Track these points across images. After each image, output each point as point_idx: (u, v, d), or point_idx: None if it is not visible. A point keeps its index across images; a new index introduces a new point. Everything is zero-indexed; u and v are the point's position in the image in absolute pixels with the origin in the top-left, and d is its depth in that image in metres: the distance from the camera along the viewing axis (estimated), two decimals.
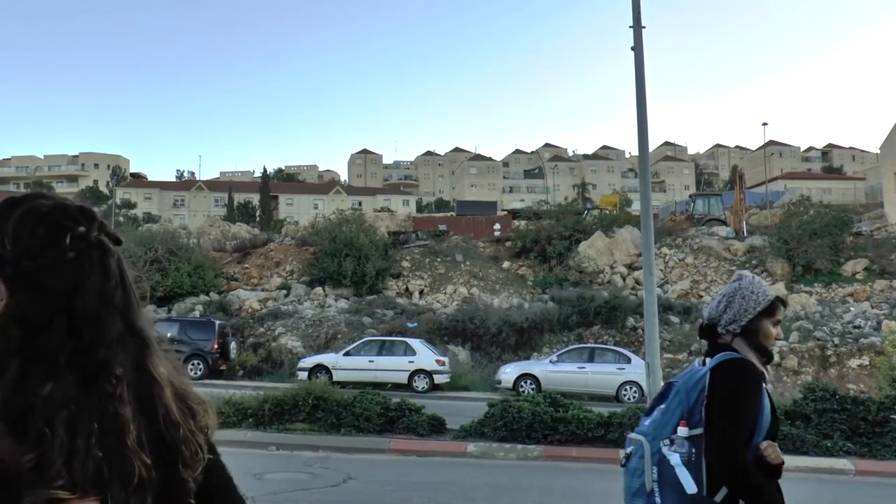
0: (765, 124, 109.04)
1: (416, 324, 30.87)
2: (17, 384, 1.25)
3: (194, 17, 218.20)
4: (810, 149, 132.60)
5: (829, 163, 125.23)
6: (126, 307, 1.38)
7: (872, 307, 31.31)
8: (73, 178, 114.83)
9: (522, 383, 24.06)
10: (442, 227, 46.48)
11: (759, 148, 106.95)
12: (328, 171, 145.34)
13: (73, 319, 1.30)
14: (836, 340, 27.72)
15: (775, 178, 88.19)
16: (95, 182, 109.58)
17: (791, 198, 50.90)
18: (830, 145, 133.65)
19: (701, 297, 35.20)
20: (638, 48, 17.98)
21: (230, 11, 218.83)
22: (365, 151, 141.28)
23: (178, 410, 1.40)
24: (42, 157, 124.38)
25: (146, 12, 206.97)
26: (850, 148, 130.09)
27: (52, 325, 1.28)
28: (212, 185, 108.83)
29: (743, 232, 41.73)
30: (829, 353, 27.19)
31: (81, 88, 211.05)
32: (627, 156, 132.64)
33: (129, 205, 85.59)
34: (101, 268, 1.35)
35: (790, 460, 13.29)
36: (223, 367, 26.89)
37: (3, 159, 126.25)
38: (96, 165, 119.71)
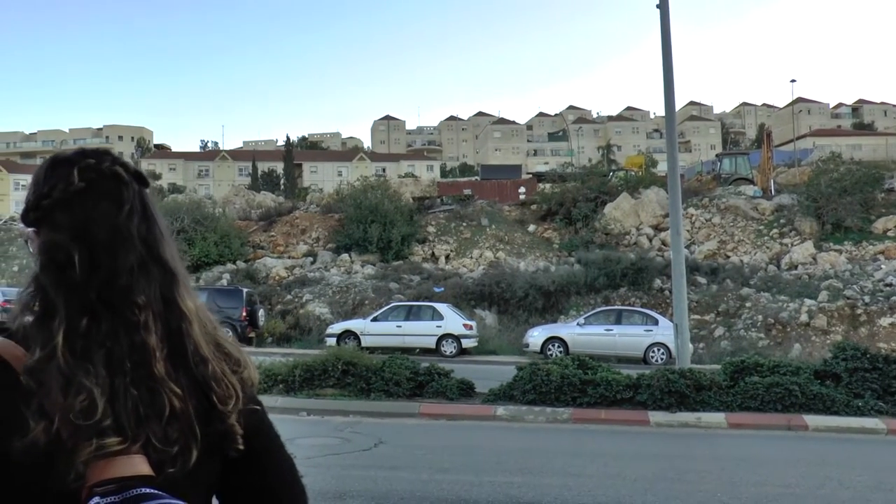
0: (793, 81, 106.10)
1: (442, 289, 30.93)
2: (65, 320, 1.25)
3: None
4: (840, 105, 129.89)
5: (860, 119, 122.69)
6: (149, 237, 1.36)
7: None
8: None
9: (550, 346, 24.11)
10: (467, 192, 46.31)
11: (787, 105, 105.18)
12: (351, 138, 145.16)
13: (93, 252, 1.29)
14: (867, 299, 27.39)
15: (804, 135, 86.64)
16: (120, 154, 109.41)
17: (820, 155, 50.04)
18: (861, 101, 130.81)
19: (728, 257, 34.93)
20: (663, 5, 17.69)
21: None
22: (388, 118, 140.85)
23: (208, 350, 1.36)
24: (67, 131, 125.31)
25: None
26: (882, 103, 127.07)
27: (74, 260, 1.27)
28: (236, 154, 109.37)
29: (770, 191, 41.16)
30: (859, 311, 26.88)
31: (105, 61, 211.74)
32: (652, 116, 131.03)
33: (154, 176, 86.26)
34: (112, 196, 1.33)
35: (821, 420, 13.10)
36: (252, 335, 27.17)
37: (30, 133, 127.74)
38: (120, 138, 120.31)
